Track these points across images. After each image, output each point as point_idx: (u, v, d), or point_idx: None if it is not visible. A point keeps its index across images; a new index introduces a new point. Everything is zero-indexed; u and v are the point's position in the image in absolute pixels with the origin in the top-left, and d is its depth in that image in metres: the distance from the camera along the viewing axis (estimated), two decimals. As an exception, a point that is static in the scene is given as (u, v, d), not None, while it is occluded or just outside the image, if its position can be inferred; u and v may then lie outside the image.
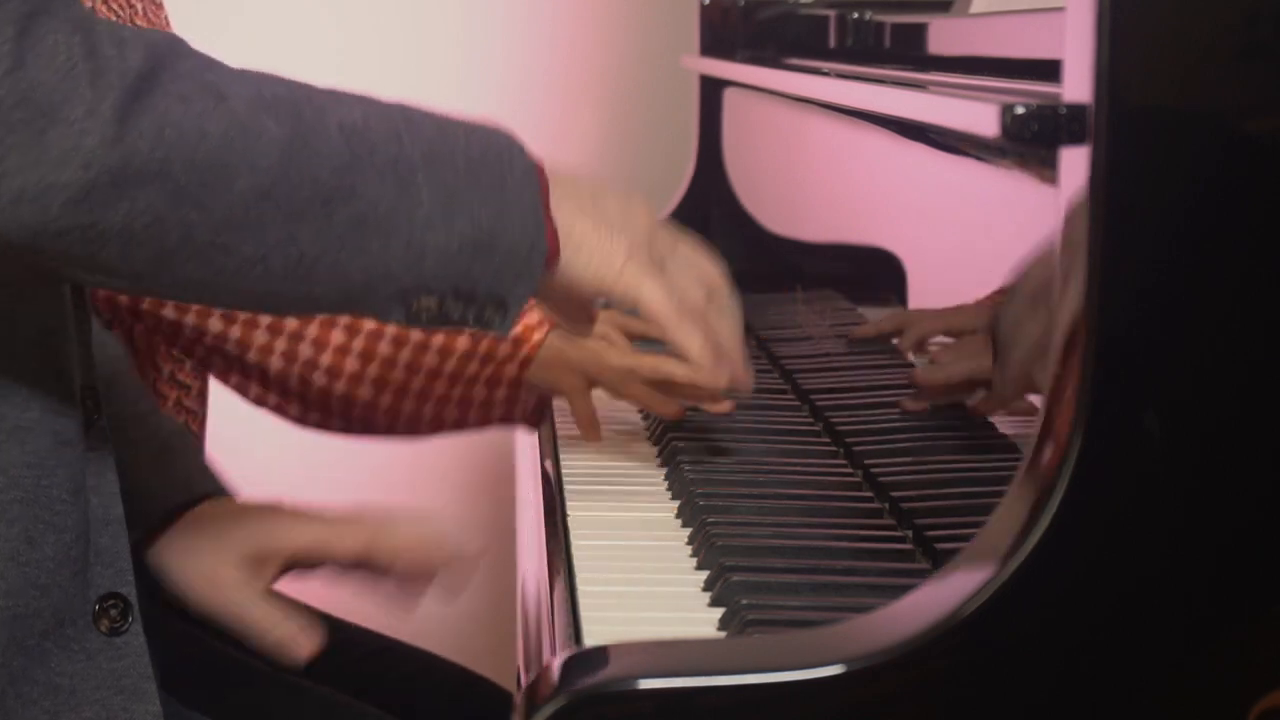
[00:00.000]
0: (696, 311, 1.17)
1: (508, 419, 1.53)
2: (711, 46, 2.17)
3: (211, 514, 1.26)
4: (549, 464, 1.46)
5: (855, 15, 1.75)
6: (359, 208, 1.02)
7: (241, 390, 1.55)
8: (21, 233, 0.94)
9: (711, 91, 2.18)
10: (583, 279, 1.12)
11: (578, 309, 1.21)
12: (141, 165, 0.95)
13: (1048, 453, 0.91)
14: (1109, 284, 0.89)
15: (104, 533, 1.11)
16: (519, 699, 0.92)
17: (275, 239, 1.00)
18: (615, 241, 1.13)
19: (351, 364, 1.48)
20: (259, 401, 1.55)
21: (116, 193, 0.95)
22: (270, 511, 1.28)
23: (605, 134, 2.63)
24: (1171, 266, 0.90)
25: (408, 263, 1.04)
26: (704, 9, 2.17)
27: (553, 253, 1.10)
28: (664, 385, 1.48)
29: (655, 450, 1.48)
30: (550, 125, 2.61)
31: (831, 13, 1.83)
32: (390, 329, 1.48)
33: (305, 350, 1.48)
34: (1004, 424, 1.16)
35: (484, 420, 1.52)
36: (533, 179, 1.09)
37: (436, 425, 1.52)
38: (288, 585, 1.77)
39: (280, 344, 1.48)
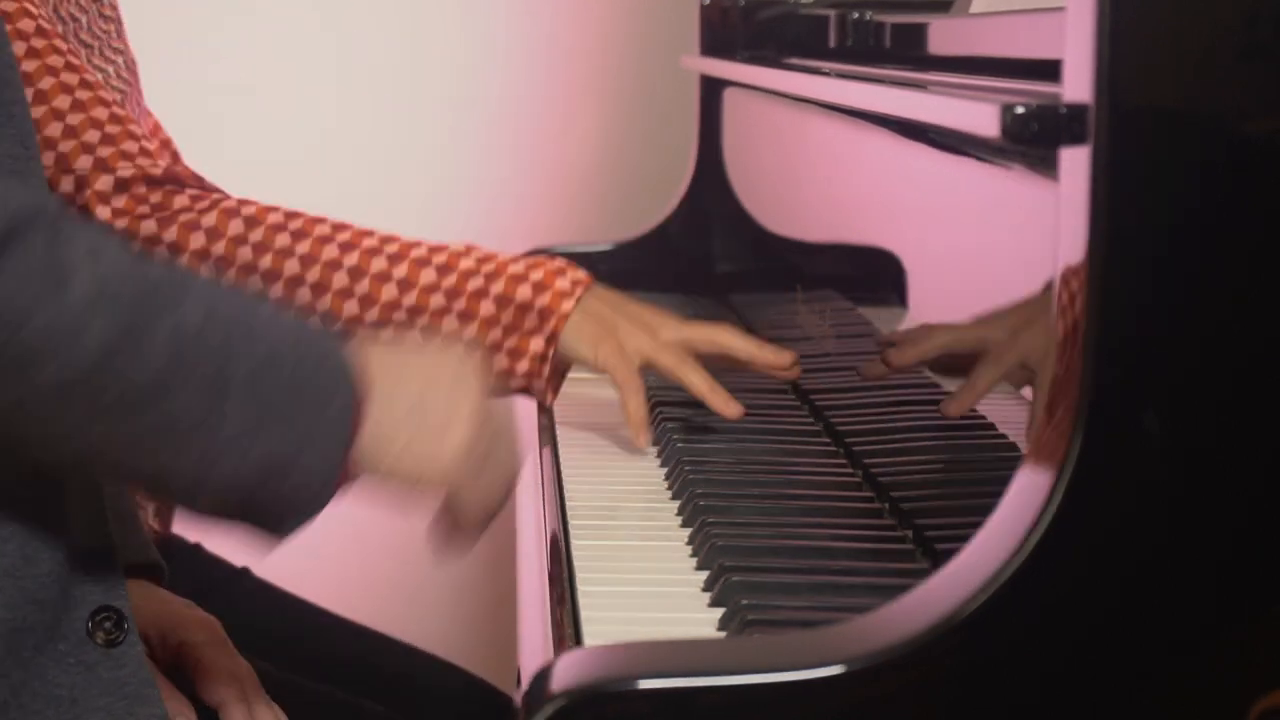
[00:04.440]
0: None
1: (524, 390, 1.46)
2: (711, 46, 2.17)
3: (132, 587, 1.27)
4: (549, 463, 1.46)
5: (855, 15, 1.75)
6: (166, 414, 1.02)
7: None
8: None
9: (711, 91, 2.18)
10: (417, 482, 1.11)
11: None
12: None
13: (1047, 453, 0.91)
14: (1108, 284, 0.89)
15: (92, 553, 1.12)
16: (519, 699, 0.92)
17: (69, 427, 1.01)
18: (440, 446, 1.11)
19: (366, 332, 1.44)
20: None
21: None
22: (180, 604, 1.33)
23: (605, 134, 2.63)
24: (1171, 266, 0.90)
25: (197, 471, 1.04)
26: (704, 9, 2.17)
27: (345, 483, 1.08)
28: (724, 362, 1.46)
29: (655, 450, 1.48)
30: (550, 125, 2.61)
31: (831, 13, 1.83)
32: (410, 296, 1.44)
33: (321, 306, 1.44)
34: (1004, 424, 1.16)
35: (499, 391, 1.44)
36: (346, 417, 1.08)
37: None
38: (292, 575, 1.77)
39: (302, 295, 1.44)
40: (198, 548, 1.73)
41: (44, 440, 1.02)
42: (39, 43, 1.43)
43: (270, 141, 2.57)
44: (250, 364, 1.05)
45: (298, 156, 2.57)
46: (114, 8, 1.61)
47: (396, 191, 2.58)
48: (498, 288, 1.44)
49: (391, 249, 1.45)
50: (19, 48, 1.41)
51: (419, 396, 1.11)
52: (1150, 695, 0.92)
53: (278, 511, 1.07)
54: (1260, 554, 0.91)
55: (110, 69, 1.57)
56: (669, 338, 1.46)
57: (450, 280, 1.44)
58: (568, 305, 1.44)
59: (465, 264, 1.46)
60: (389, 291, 1.44)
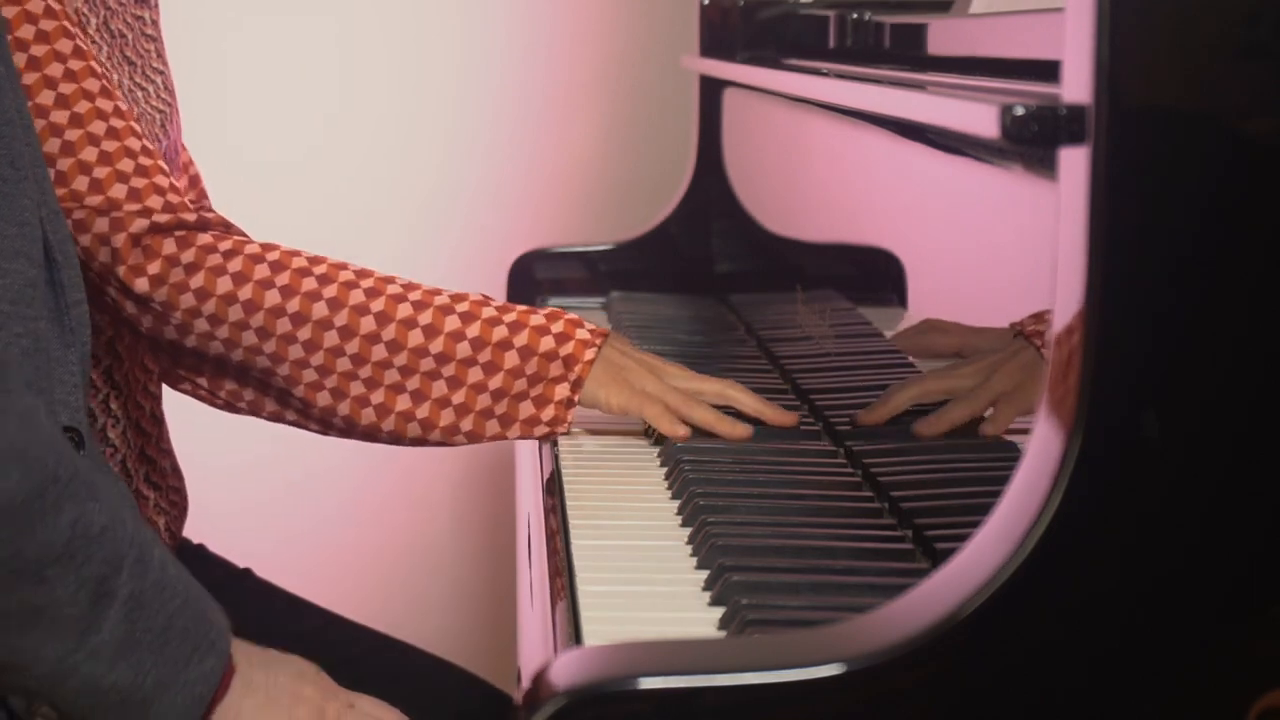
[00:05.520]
0: None
1: (548, 436, 1.50)
2: (711, 47, 2.17)
3: None
4: (549, 464, 1.46)
5: (855, 15, 1.75)
6: (40, 598, 1.02)
7: (255, 408, 1.51)
8: None
9: (711, 92, 2.18)
10: None
11: None
12: None
13: (1047, 453, 0.91)
14: (1108, 284, 0.89)
15: None
16: (519, 698, 0.92)
17: None
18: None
19: (392, 376, 1.46)
20: (275, 418, 1.52)
21: None
22: None
23: (605, 134, 2.63)
24: (1170, 266, 0.90)
25: (52, 672, 1.04)
26: (704, 9, 2.17)
27: None
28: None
29: (655, 450, 1.48)
30: (550, 125, 2.62)
31: (831, 13, 1.83)
32: (436, 342, 1.46)
33: (343, 364, 1.45)
34: (1004, 424, 1.16)
35: (525, 434, 1.49)
36: (213, 679, 1.10)
37: (474, 437, 1.49)
38: (294, 576, 1.77)
39: (317, 359, 1.45)
40: (201, 548, 1.73)
41: None
42: (76, 64, 1.42)
43: (270, 142, 2.57)
44: (138, 585, 1.06)
45: (298, 157, 2.57)
46: (155, 26, 1.61)
47: (397, 191, 2.59)
48: (522, 339, 1.47)
49: (415, 296, 1.47)
50: (55, 69, 1.40)
51: (266, 685, 1.14)
52: (1150, 694, 0.92)
53: None
54: (1260, 553, 0.91)
55: (150, 88, 1.58)
56: (679, 385, 1.51)
57: (475, 329, 1.46)
58: (590, 354, 1.48)
59: (487, 312, 1.48)
60: (415, 337, 1.46)
